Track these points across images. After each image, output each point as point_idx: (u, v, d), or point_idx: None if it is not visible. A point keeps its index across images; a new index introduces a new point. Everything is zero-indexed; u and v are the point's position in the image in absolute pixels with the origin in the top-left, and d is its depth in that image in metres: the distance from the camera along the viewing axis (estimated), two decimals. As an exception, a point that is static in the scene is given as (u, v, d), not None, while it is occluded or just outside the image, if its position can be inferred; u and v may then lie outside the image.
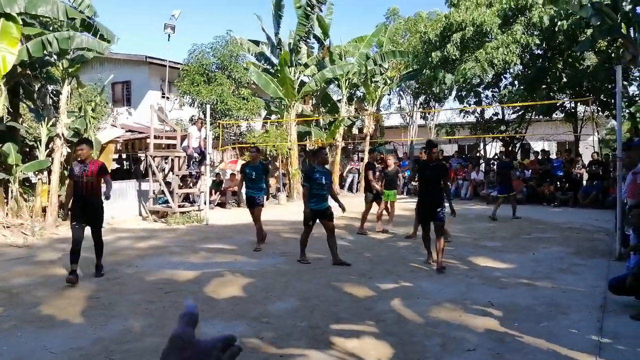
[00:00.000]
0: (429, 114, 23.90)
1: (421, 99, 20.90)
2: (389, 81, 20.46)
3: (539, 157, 15.39)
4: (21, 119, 11.46)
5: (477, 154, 20.15)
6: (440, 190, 6.53)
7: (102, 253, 6.15)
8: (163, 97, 19.26)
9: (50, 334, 4.12)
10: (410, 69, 19.90)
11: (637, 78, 15.41)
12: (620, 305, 4.66)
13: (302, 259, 6.71)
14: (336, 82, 19.28)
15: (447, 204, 6.57)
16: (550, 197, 13.96)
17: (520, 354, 3.62)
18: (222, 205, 14.32)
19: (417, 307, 4.74)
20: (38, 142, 10.72)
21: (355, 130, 21.46)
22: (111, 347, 3.82)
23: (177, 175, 12.04)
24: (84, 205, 5.89)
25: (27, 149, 11.02)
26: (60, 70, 10.45)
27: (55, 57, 10.35)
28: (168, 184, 11.93)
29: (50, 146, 10.54)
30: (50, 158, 10.41)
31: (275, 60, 18.03)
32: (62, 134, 10.33)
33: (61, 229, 9.89)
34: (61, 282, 5.81)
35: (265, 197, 8.55)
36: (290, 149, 16.32)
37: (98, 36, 10.17)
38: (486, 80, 16.74)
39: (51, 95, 11.14)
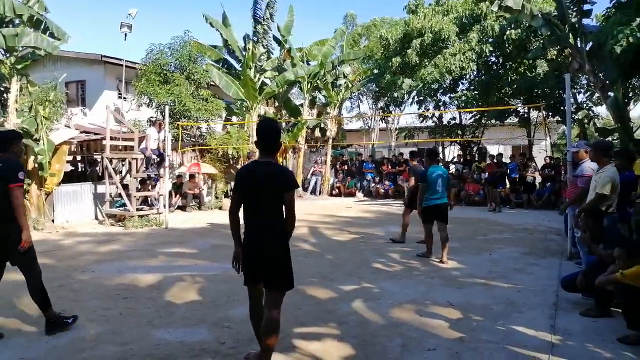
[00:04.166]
0: (389, 117, 24.29)
1: (381, 102, 21.23)
2: (350, 85, 20.69)
3: (495, 160, 15.89)
4: (-34, 118, 10.88)
5: (437, 158, 20.57)
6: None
7: (40, 303, 4.20)
8: (120, 97, 18.73)
9: (1, 344, 3.92)
10: (370, 74, 20.20)
11: (585, 86, 16.20)
12: (571, 303, 4.87)
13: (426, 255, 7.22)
14: (298, 85, 19.34)
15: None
16: (505, 199, 14.46)
17: (477, 352, 3.72)
18: (182, 208, 14.05)
19: (378, 309, 4.80)
20: (-16, 143, 10.19)
21: (317, 133, 21.55)
22: (65, 357, 3.67)
23: (134, 178, 11.73)
24: None
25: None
26: (8, 67, 9.99)
27: (2, 53, 9.90)
28: (125, 187, 11.61)
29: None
30: (-2, 160, 9.92)
31: (233, 62, 17.92)
32: (12, 135, 9.86)
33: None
34: (12, 289, 5.54)
35: None
36: (251, 151, 16.19)
37: (48, 34, 9.79)
38: (444, 86, 17.19)
39: (-2, 93, 10.64)
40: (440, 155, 20.26)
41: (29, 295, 4.22)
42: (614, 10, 10.76)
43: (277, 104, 19.88)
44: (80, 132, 14.11)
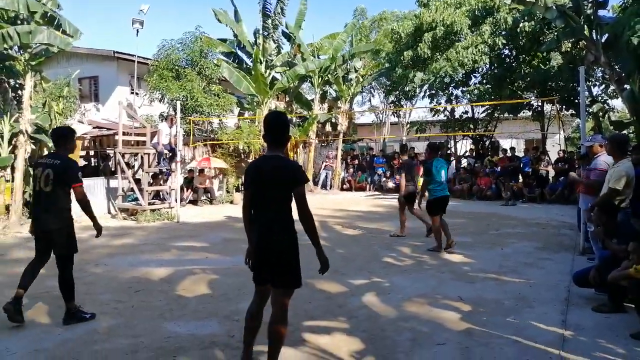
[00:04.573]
0: (400, 111, 24.16)
1: (392, 96, 21.12)
2: (361, 79, 20.60)
3: (508, 154, 15.76)
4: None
5: (448, 152, 20.48)
6: None
7: (67, 293, 4.33)
8: (132, 93, 18.86)
9: (14, 336, 4.00)
10: (381, 67, 20.08)
11: (600, 78, 15.94)
12: (583, 298, 4.82)
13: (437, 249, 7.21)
14: (309, 80, 19.30)
15: None
16: (518, 193, 14.32)
17: (488, 347, 3.70)
18: (194, 202, 14.15)
19: (388, 303, 4.79)
20: (0, 139, 10.35)
21: (328, 128, 21.53)
22: (77, 349, 3.72)
23: (146, 173, 11.83)
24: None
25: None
26: (22, 64, 10.10)
27: (16, 50, 10.02)
28: (138, 181, 11.72)
29: (13, 143, 10.19)
30: (12, 155, 10.07)
31: (244, 57, 17.94)
32: (26, 130, 10.01)
33: (26, 227, 9.56)
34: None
35: None
36: (262, 145, 16.24)
37: (61, 30, 9.87)
38: (456, 79, 17.03)
39: (13, 89, 10.75)
40: (452, 149, 20.15)
41: (57, 285, 4.35)
42: (631, 0, 10.55)
43: (287, 98, 19.89)
44: (93, 128, 14.28)
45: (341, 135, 20.02)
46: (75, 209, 4.36)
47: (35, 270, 4.39)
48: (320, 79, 18.58)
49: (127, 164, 12.41)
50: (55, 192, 4.19)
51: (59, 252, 4.30)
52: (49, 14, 9.69)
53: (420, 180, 9.30)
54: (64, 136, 4.44)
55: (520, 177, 14.86)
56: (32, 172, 4.55)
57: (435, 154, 7.57)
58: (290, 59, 17.64)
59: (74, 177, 4.27)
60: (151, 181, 12.03)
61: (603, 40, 11.44)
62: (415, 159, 16.84)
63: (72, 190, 4.28)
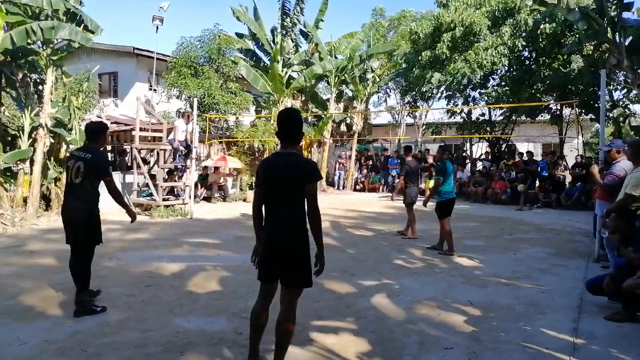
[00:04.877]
0: (416, 112, 24.02)
1: (409, 97, 21.01)
2: (377, 79, 20.53)
3: (524, 157, 15.56)
4: (3, 107, 11.27)
5: (464, 154, 20.32)
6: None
7: (82, 283, 4.45)
8: (150, 89, 19.08)
9: (25, 327, 4.07)
10: (399, 67, 19.99)
11: (622, 82, 15.64)
12: (596, 306, 4.74)
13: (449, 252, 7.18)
14: (325, 79, 19.30)
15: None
16: (533, 198, 14.12)
17: (496, 353, 3.66)
18: (207, 199, 14.26)
19: (397, 305, 4.77)
20: (21, 132, 10.55)
21: (343, 127, 21.50)
22: (87, 341, 3.78)
23: (162, 168, 11.95)
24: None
25: (9, 138, 10.84)
26: (45, 59, 10.29)
27: (39, 45, 10.20)
28: (153, 177, 11.84)
29: (33, 136, 10.38)
30: (32, 148, 10.26)
31: (261, 55, 18.00)
32: (46, 124, 10.19)
33: (42, 219, 9.77)
34: (43, 272, 5.76)
35: None
36: (277, 144, 16.28)
37: (82, 26, 10.03)
38: (474, 81, 16.87)
39: (35, 84, 10.96)
40: (468, 152, 19.98)
41: (71, 274, 4.47)
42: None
43: (303, 97, 19.93)
44: (112, 123, 14.46)
45: (356, 135, 19.98)
46: (103, 200, 4.52)
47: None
48: (336, 78, 18.56)
49: (144, 160, 12.56)
50: (83, 184, 4.34)
51: (83, 241, 4.42)
52: (71, 10, 9.85)
53: (430, 182, 9.30)
54: (97, 131, 4.62)
55: (537, 181, 14.63)
56: (65, 164, 4.76)
57: (447, 156, 7.58)
58: (307, 58, 17.66)
59: (105, 170, 4.44)
60: (166, 177, 12.15)
61: (627, 43, 11.21)
62: (421, 161, 16.75)
63: (102, 183, 4.44)
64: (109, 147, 16.01)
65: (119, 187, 12.04)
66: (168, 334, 3.95)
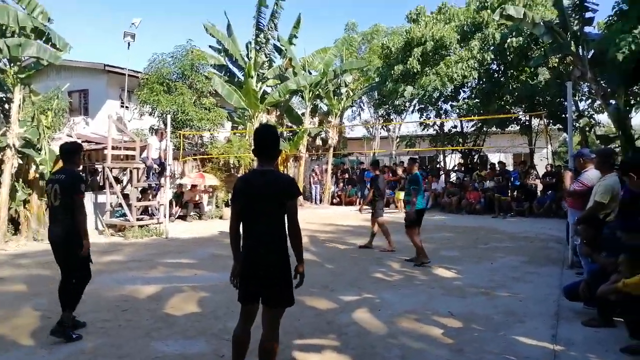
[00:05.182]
0: (390, 125, 24.31)
1: (382, 111, 21.29)
2: (351, 93, 20.75)
3: (497, 168, 15.89)
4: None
5: (437, 166, 20.62)
6: None
7: (69, 304, 4.38)
8: (122, 106, 18.79)
9: (-4, 357, 3.90)
10: (372, 82, 20.26)
11: (586, 93, 16.20)
12: (573, 312, 4.83)
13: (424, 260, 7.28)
14: (300, 94, 19.40)
15: None
16: (507, 207, 14.40)
17: (479, 363, 3.68)
18: (183, 217, 14.03)
19: (378, 319, 4.76)
20: (-14, 153, 10.22)
21: (319, 142, 21.58)
22: (62, 370, 3.64)
23: (135, 188, 11.73)
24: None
25: (-26, 160, 10.47)
26: (12, 77, 10.04)
27: (5, 63, 9.95)
28: (126, 197, 11.60)
29: (0, 157, 10.07)
30: (-1, 169, 9.94)
31: (235, 70, 18.00)
32: (14, 144, 9.90)
33: (11, 244, 9.45)
34: (14, 300, 5.55)
35: None
36: (253, 160, 16.20)
37: (50, 44, 9.85)
38: (445, 94, 17.20)
39: (1, 103, 10.66)
40: (441, 163, 20.29)
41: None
42: (615, 18, 10.78)
43: (278, 112, 19.96)
44: (83, 142, 14.14)
45: (331, 149, 20.07)
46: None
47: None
48: (311, 93, 18.68)
49: (116, 179, 12.30)
50: (62, 206, 4.38)
51: (64, 261, 4.41)
52: (38, 28, 9.66)
53: (401, 194, 9.56)
54: (72, 151, 4.63)
55: (509, 191, 14.94)
56: (45, 189, 4.81)
57: (418, 167, 7.85)
58: (282, 73, 17.73)
59: (76, 187, 4.41)
60: (140, 196, 11.93)
61: (589, 56, 11.65)
62: (390, 174, 17.09)
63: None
64: (80, 167, 15.65)
65: (90, 209, 11.81)
66: (146, 359, 3.83)
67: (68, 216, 4.38)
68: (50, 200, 4.48)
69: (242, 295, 3.12)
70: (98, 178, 14.90)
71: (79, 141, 13.53)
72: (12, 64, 9.98)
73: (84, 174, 15.43)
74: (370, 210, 8.96)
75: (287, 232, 3.08)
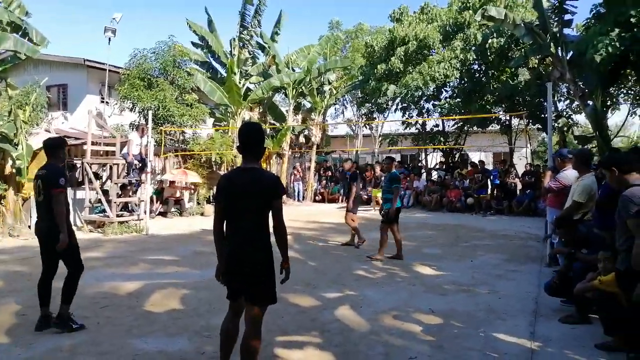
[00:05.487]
0: (373, 124, 24.41)
1: (365, 109, 21.38)
2: (334, 91, 20.77)
3: (478, 167, 16.09)
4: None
5: (419, 164, 20.79)
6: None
7: (66, 297, 4.50)
8: (102, 101, 18.48)
9: (-30, 356, 3.81)
10: (355, 80, 20.31)
11: (565, 94, 16.50)
12: (551, 310, 4.92)
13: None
14: (283, 92, 19.35)
15: None
16: (487, 205, 14.60)
17: (459, 360, 3.73)
18: (163, 214, 13.87)
19: (361, 316, 4.79)
20: (-39, 148, 9.96)
21: (302, 139, 21.55)
22: (39, 368, 3.58)
23: (115, 184, 11.56)
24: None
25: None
26: (-13, 71, 9.80)
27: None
28: (106, 193, 11.42)
29: (-25, 152, 9.82)
30: (-26, 165, 9.70)
31: (218, 67, 17.86)
32: (-11, 139, 9.66)
33: (-14, 240, 9.21)
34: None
35: None
36: (235, 157, 16.11)
37: (27, 38, 9.63)
38: (427, 93, 17.34)
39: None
40: (423, 162, 20.46)
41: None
42: (593, 20, 11.00)
43: (261, 109, 19.87)
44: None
45: (315, 146, 20.07)
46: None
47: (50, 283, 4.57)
48: (294, 90, 18.64)
49: (96, 175, 12.10)
50: (45, 201, 4.40)
51: (47, 256, 4.49)
52: (14, 23, 9.43)
53: (378, 193, 9.74)
54: (55, 146, 4.61)
55: (488, 189, 15.16)
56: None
57: (396, 166, 8.02)
58: (265, 70, 17.65)
59: (54, 182, 4.37)
60: (120, 192, 11.75)
61: (568, 57, 11.88)
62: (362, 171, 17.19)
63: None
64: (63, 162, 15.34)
65: (70, 204, 11.61)
66: (126, 356, 3.79)
67: (50, 211, 4.36)
68: (36, 195, 4.53)
69: (230, 293, 3.15)
70: (76, 174, 14.63)
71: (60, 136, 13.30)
72: (-13, 57, 9.74)
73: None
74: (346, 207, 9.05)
75: (270, 230, 3.08)
